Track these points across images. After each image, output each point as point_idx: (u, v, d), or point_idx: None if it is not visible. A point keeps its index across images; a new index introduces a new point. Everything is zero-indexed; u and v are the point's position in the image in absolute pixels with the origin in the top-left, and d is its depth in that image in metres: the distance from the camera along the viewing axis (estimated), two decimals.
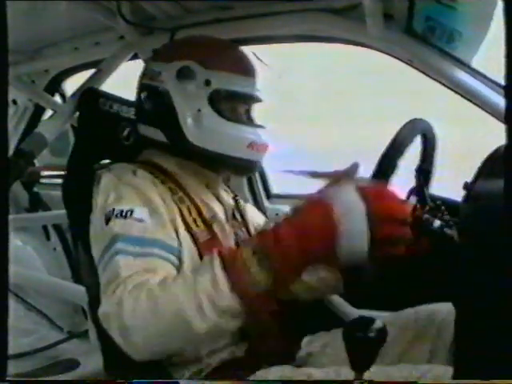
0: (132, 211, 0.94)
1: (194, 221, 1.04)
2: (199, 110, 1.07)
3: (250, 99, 1.14)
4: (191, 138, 1.08)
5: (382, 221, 0.70)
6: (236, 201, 1.23)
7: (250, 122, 1.15)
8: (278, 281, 0.75)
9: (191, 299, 0.78)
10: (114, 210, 0.95)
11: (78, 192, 1.07)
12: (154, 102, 1.12)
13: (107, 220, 0.95)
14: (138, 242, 0.91)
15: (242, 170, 1.18)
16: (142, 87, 1.17)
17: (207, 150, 1.09)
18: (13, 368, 0.76)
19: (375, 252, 0.70)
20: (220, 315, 0.78)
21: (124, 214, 0.94)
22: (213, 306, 0.77)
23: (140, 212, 0.95)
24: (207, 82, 1.08)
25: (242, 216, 1.23)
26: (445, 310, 1.08)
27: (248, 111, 1.16)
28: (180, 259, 0.96)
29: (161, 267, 0.90)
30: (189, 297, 0.79)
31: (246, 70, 1.12)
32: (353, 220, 0.69)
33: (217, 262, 0.79)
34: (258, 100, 1.15)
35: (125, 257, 0.89)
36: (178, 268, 0.95)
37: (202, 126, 1.07)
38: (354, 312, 1.42)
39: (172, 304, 0.80)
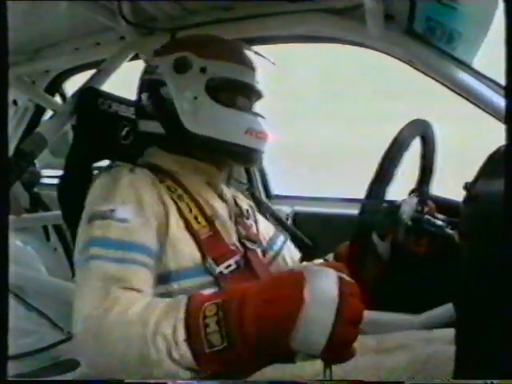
0: (114, 210, 0.92)
1: (195, 218, 1.03)
2: (196, 98, 1.07)
3: (248, 90, 1.12)
4: (188, 126, 1.07)
5: (348, 324, 0.63)
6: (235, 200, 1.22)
7: (249, 110, 1.13)
8: (233, 347, 0.67)
9: (148, 340, 0.71)
10: (96, 209, 0.93)
11: (74, 192, 1.06)
12: (153, 95, 1.12)
13: (89, 219, 0.93)
14: (115, 245, 0.88)
15: (241, 157, 1.13)
16: (141, 84, 1.17)
17: (204, 137, 1.07)
18: (13, 368, 0.76)
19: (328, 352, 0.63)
20: (173, 361, 0.70)
21: (105, 214, 0.91)
22: (168, 353, 0.70)
23: (123, 211, 0.92)
24: (203, 70, 1.07)
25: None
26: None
27: (250, 107, 1.14)
28: (159, 258, 0.94)
29: (134, 275, 0.86)
30: (144, 337, 0.71)
31: (242, 60, 1.11)
32: (320, 310, 0.62)
33: (182, 311, 0.72)
34: (257, 93, 1.14)
35: (99, 263, 0.85)
36: (156, 269, 0.92)
37: (198, 112, 1.07)
38: None
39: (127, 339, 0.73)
